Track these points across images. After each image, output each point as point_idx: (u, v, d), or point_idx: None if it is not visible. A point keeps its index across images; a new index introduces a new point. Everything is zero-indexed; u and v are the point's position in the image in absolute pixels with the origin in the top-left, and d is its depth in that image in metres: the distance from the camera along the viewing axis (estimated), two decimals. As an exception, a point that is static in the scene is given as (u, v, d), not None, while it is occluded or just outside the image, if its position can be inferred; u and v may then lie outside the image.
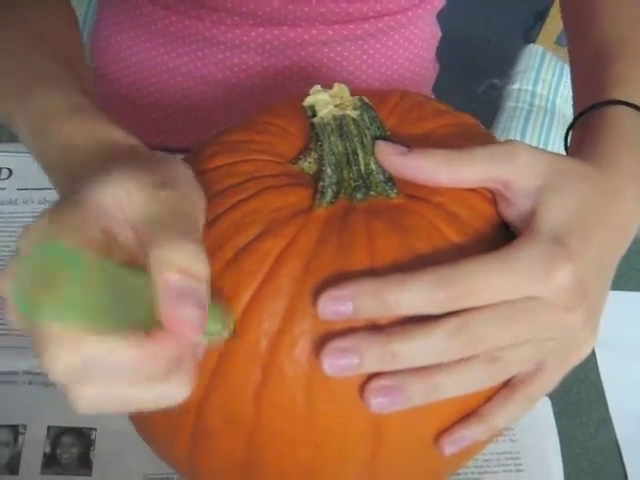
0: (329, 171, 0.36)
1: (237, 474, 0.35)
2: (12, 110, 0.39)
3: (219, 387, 0.33)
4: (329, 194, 0.35)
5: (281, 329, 0.32)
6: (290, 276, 0.32)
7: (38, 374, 0.50)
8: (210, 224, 0.35)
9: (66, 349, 0.26)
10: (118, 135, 0.34)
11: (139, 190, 0.29)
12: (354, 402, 0.32)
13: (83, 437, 0.48)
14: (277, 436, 0.33)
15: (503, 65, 1.11)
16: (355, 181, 0.36)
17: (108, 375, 0.27)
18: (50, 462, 0.47)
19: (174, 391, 0.28)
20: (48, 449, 0.47)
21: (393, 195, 0.36)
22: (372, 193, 0.36)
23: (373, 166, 0.36)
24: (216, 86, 0.68)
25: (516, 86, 1.04)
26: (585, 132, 0.40)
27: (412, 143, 0.36)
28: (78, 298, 0.25)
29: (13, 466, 0.46)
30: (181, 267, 0.27)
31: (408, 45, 0.70)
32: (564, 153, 0.43)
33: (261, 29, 0.62)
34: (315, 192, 0.36)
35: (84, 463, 0.47)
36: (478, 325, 0.31)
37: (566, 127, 0.44)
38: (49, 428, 0.48)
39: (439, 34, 0.78)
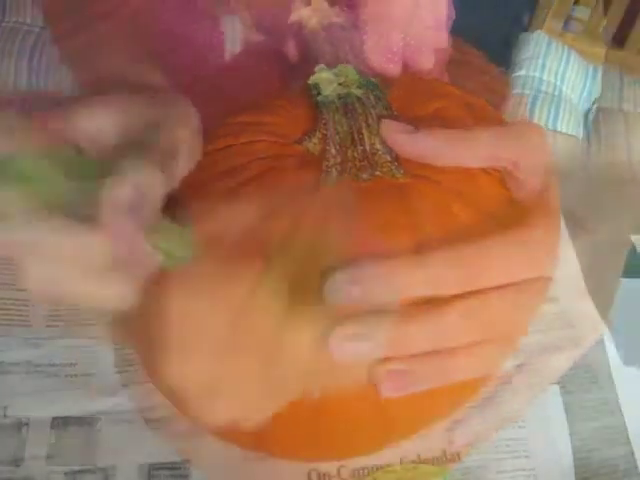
0: (333, 151, 0.35)
1: None
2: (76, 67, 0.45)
3: None
4: (333, 174, 0.35)
5: (287, 312, 0.31)
6: (295, 258, 0.32)
7: (39, 365, 0.50)
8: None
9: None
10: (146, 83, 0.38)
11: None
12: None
13: (88, 427, 0.47)
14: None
15: (509, 52, 1.10)
16: (360, 161, 0.35)
17: (50, 256, 0.28)
18: (55, 453, 0.46)
19: (108, 291, 0.28)
20: (53, 440, 0.47)
21: (399, 175, 0.35)
22: (378, 173, 0.35)
23: (379, 146, 0.35)
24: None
25: (522, 73, 1.03)
26: None
27: (419, 124, 0.35)
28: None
29: (18, 457, 0.46)
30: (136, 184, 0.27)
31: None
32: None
33: None
34: (320, 173, 0.35)
35: (89, 453, 0.46)
36: (492, 307, 0.30)
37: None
38: (53, 419, 0.47)
39: (453, 15, 0.77)
